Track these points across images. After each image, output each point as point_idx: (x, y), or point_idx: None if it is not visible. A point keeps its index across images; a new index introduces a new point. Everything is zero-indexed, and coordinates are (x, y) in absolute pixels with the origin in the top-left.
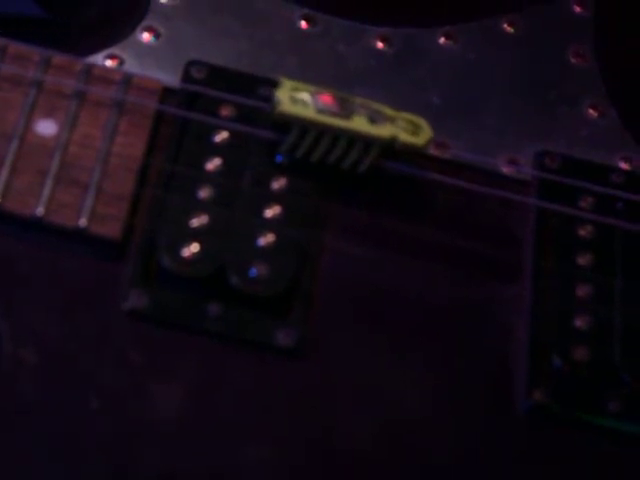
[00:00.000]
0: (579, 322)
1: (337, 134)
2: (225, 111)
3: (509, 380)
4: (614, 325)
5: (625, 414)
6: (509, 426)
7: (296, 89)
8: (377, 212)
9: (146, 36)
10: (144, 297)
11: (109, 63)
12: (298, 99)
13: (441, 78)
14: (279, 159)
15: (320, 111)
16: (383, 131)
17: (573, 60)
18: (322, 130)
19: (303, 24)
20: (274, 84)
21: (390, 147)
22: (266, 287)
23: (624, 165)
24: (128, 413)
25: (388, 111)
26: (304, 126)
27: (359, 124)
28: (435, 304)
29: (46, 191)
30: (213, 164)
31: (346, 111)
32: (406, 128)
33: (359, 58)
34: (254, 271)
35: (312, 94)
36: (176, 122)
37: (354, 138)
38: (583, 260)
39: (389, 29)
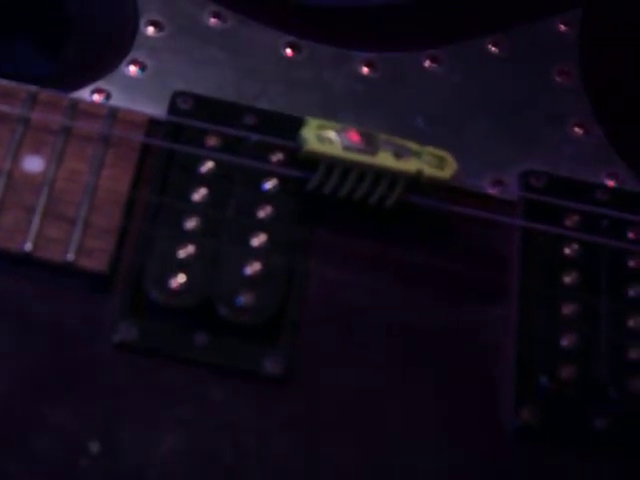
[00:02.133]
0: (565, 341)
1: (364, 170)
2: (211, 141)
3: (497, 400)
4: (600, 343)
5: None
6: (498, 445)
7: (322, 127)
8: (363, 238)
9: (132, 69)
10: (133, 329)
11: (96, 97)
12: (324, 137)
13: (427, 101)
14: (265, 187)
15: (346, 148)
16: (409, 166)
17: (558, 79)
18: (349, 167)
19: (288, 52)
20: (295, 120)
21: (416, 181)
22: (253, 316)
23: (610, 182)
24: (127, 452)
25: (413, 146)
26: (331, 163)
27: (385, 159)
28: (423, 327)
29: (34, 227)
30: (199, 195)
31: (372, 147)
32: (431, 162)
33: (345, 84)
34: (241, 300)
35: (338, 131)
36: (162, 154)
37: (380, 174)
38: (569, 279)
39: (374, 54)
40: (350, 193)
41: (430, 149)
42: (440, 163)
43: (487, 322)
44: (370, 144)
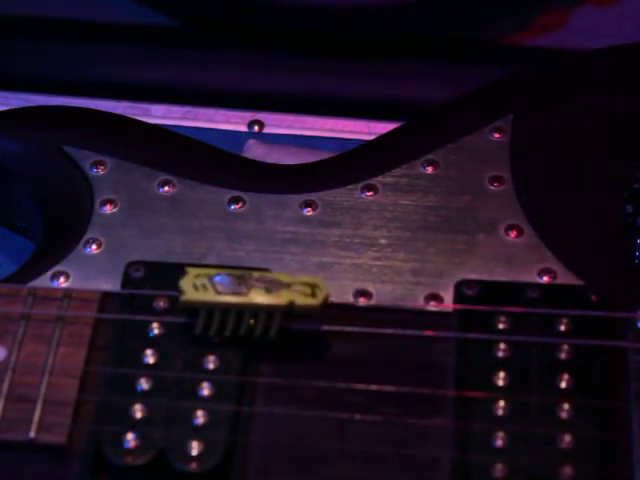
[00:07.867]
0: (498, 441)
1: (239, 309)
2: (160, 303)
3: None
4: (532, 437)
5: None
6: None
7: (198, 275)
8: (306, 372)
9: (88, 248)
10: None
11: (55, 281)
12: (199, 285)
13: (364, 230)
14: (211, 339)
15: (219, 292)
16: (279, 299)
17: (491, 187)
18: (225, 309)
19: (232, 206)
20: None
21: (290, 311)
22: (203, 464)
23: (545, 278)
24: None
25: (284, 278)
26: (209, 309)
27: (256, 297)
28: (364, 446)
29: None
30: (150, 357)
31: (243, 287)
32: (303, 291)
33: (287, 227)
34: (191, 450)
35: (211, 277)
36: (115, 324)
37: (255, 310)
38: (501, 380)
39: (312, 194)
40: (234, 331)
41: (301, 278)
42: (312, 290)
43: (426, 433)
44: (242, 284)
